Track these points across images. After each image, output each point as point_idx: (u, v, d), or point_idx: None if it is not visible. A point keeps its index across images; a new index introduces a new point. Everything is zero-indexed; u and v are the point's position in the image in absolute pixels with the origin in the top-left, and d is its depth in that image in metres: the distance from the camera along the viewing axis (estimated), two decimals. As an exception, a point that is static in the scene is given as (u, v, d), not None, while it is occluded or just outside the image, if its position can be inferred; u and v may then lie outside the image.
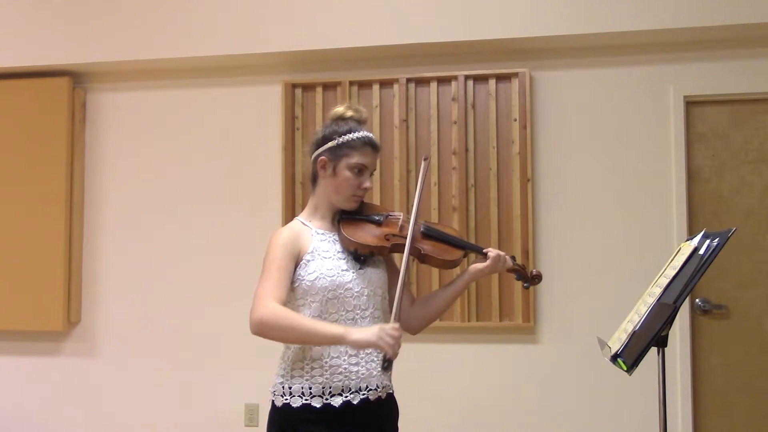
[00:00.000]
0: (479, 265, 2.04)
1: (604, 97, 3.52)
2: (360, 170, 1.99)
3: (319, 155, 2.02)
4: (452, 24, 3.48)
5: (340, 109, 2.07)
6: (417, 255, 2.02)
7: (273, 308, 1.81)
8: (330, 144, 2.00)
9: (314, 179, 2.06)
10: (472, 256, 2.14)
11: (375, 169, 2.07)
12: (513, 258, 2.16)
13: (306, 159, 3.63)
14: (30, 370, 3.93)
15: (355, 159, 1.98)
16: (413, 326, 2.09)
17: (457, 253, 2.05)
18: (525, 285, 2.16)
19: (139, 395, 3.82)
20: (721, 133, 3.47)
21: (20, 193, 3.85)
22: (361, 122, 2.06)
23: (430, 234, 2.06)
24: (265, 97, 3.78)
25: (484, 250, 2.06)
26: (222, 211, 3.80)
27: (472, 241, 3.52)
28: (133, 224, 3.89)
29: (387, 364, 1.82)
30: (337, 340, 1.79)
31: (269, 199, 3.72)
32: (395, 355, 1.79)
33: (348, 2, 3.58)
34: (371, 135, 2.04)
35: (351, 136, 1.99)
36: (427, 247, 2.02)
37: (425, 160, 2.11)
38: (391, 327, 1.79)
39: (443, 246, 2.05)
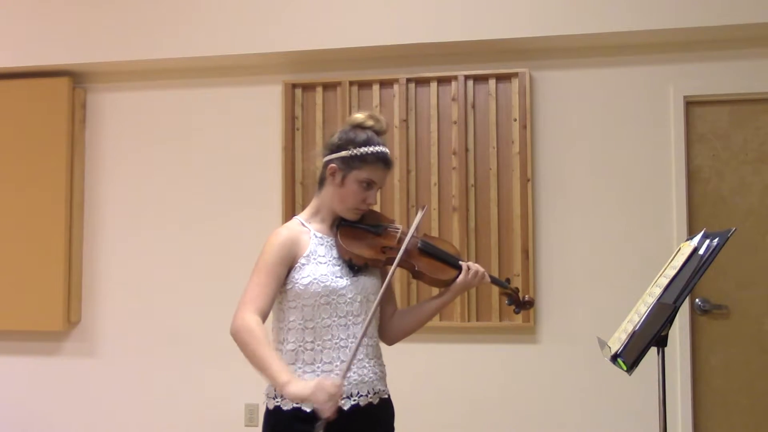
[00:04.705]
0: (463, 282, 2.02)
1: (604, 97, 3.52)
2: (368, 185, 1.96)
3: (330, 161, 1.99)
4: (452, 24, 3.48)
5: (360, 117, 2.02)
6: (411, 270, 1.99)
7: (248, 325, 1.79)
8: (343, 153, 1.96)
9: (321, 182, 2.04)
10: None
11: (384, 185, 2.04)
12: (507, 280, 2.15)
13: (307, 159, 3.65)
14: (30, 370, 3.93)
15: (366, 174, 1.95)
16: (391, 337, 2.08)
17: (451, 273, 2.01)
18: (516, 310, 2.14)
19: (139, 395, 3.81)
20: (721, 133, 3.47)
21: (20, 193, 3.85)
22: (379, 133, 2.01)
23: (426, 251, 2.02)
24: (265, 97, 3.78)
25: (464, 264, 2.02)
26: (222, 211, 3.80)
27: (472, 242, 3.52)
28: (133, 224, 3.89)
29: (319, 425, 1.67)
30: (277, 384, 1.74)
31: (269, 199, 3.72)
32: (330, 414, 1.66)
33: (348, 2, 3.58)
34: (386, 151, 1.99)
35: (366, 149, 1.95)
36: (421, 264, 1.99)
37: (422, 209, 2.04)
38: (331, 383, 1.68)
39: (438, 264, 2.02)
